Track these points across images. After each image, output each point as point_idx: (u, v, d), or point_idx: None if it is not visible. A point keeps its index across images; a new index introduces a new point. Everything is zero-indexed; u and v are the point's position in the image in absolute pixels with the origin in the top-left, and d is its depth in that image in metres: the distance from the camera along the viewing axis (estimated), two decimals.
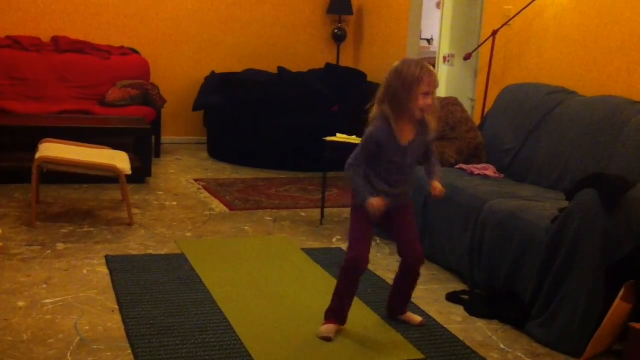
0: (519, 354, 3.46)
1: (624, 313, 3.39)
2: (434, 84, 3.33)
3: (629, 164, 4.14)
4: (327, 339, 3.45)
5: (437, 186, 3.55)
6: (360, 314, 3.79)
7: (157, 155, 7.43)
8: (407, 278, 3.68)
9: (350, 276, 3.53)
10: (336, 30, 8.68)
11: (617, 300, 3.37)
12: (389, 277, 4.35)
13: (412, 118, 3.38)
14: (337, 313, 3.56)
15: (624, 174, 3.86)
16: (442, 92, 7.77)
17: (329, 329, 3.50)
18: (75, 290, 3.90)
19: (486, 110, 5.84)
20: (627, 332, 3.27)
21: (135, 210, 5.40)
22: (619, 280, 3.41)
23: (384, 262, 4.64)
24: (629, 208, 3.46)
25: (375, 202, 3.37)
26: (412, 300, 4.00)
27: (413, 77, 3.29)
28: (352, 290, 3.56)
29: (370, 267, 4.48)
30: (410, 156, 3.44)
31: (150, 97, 7.33)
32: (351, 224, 3.57)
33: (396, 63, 3.40)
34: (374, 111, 3.45)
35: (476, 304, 3.96)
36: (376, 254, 4.80)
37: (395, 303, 3.77)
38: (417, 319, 3.72)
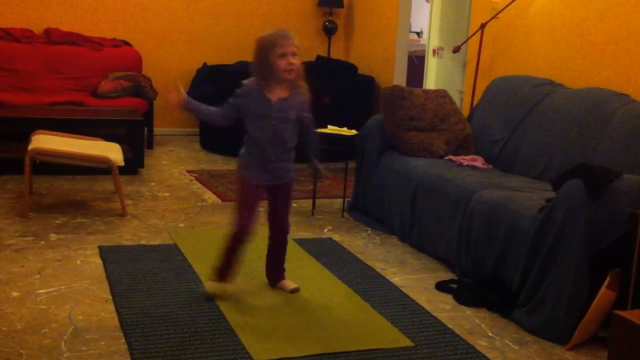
0: (507, 341, 3.51)
1: (608, 301, 3.45)
2: (290, 45, 3.48)
3: (614, 155, 4.20)
4: (214, 297, 3.71)
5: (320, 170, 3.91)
6: (351, 303, 3.84)
7: (150, 147, 7.46)
8: (277, 248, 3.93)
9: (235, 244, 3.69)
10: (327, 23, 8.70)
11: (602, 289, 3.42)
12: (379, 266, 4.41)
13: (282, 83, 3.55)
14: (224, 272, 3.75)
15: (609, 165, 3.91)
16: (431, 84, 7.83)
17: (218, 286, 3.74)
18: (68, 281, 3.93)
19: (475, 102, 5.90)
20: (612, 319, 3.32)
21: (127, 201, 5.42)
22: (603, 269, 3.46)
23: (374, 252, 4.69)
24: (613, 198, 3.50)
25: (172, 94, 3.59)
26: (402, 289, 4.06)
27: (267, 42, 3.49)
28: (239, 255, 3.74)
29: (360, 256, 4.56)
30: (282, 115, 3.59)
31: (142, 89, 7.35)
32: (238, 195, 3.75)
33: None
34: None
35: (464, 292, 4.02)
36: (367, 244, 4.85)
37: (272, 271, 3.99)
38: (291, 285, 3.93)
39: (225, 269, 3.74)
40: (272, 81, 3.54)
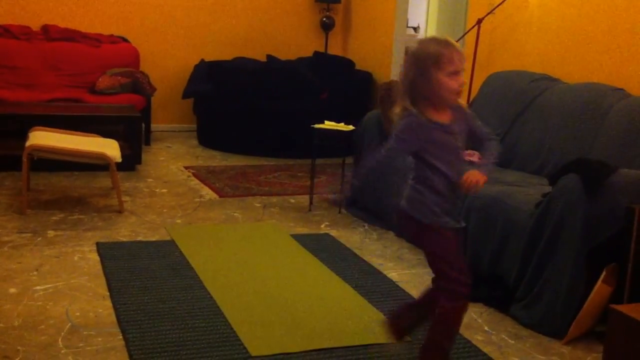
0: (503, 336, 3.52)
1: (605, 295, 3.46)
2: (463, 60, 2.71)
3: (610, 150, 4.20)
4: None
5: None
6: (348, 298, 3.85)
7: (147, 143, 7.45)
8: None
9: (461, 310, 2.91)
10: (324, 19, 8.69)
11: (599, 283, 3.43)
12: (376, 261, 4.41)
13: (444, 107, 2.76)
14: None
15: (606, 160, 3.91)
16: None
17: None
18: (66, 277, 3.94)
19: (471, 97, 5.89)
20: (608, 313, 3.33)
21: (125, 198, 5.43)
22: (600, 264, 3.47)
23: (371, 247, 4.70)
24: (610, 192, 3.51)
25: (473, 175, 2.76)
26: (399, 284, 4.07)
27: (434, 55, 2.68)
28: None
29: (357, 252, 4.57)
30: (459, 138, 2.80)
31: (140, 85, 7.35)
32: (434, 248, 2.98)
33: (411, 46, 2.81)
34: (397, 110, 2.81)
35: None
36: (364, 239, 4.86)
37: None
38: None
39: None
40: (431, 106, 2.73)
